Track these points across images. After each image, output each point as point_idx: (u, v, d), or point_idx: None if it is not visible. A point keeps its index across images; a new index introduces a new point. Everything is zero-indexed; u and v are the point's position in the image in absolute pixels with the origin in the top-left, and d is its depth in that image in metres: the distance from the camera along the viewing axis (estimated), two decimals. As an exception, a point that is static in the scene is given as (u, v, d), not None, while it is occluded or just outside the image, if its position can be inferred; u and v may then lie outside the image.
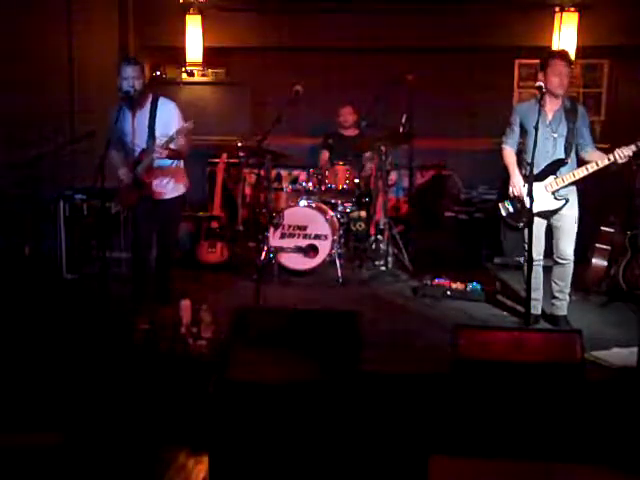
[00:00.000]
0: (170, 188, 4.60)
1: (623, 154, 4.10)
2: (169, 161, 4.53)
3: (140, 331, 3.96)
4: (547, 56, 4.33)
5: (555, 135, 4.27)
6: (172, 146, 4.34)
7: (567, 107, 4.31)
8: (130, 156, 4.53)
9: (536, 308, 4.45)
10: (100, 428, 3.23)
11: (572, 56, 6.71)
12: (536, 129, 3.89)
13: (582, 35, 6.77)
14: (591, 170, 4.20)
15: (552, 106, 4.30)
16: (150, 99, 4.51)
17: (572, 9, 6.77)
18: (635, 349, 3.53)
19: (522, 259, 4.53)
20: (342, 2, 6.98)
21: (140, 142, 4.48)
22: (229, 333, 3.03)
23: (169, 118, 4.53)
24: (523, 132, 4.40)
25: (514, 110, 4.52)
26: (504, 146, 4.49)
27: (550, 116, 4.30)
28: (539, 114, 3.92)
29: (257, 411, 2.48)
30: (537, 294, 4.43)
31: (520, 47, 6.98)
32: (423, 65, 6.64)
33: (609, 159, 4.15)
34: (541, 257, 4.43)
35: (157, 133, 4.46)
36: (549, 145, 4.28)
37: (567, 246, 4.38)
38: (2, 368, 3.51)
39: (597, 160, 4.18)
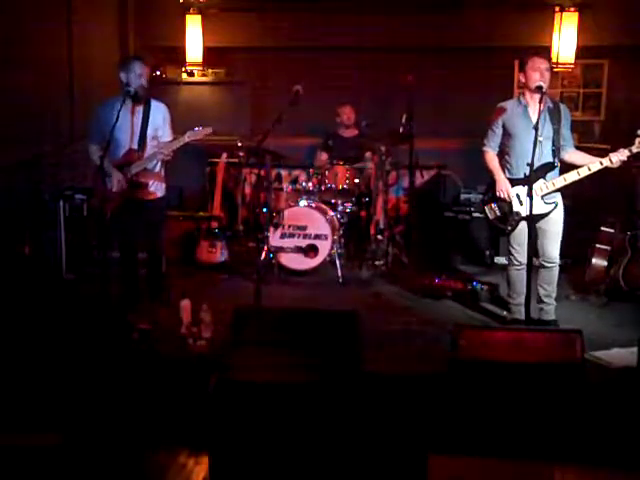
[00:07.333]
0: (156, 188, 4.62)
1: (617, 159, 4.06)
2: (158, 162, 4.57)
3: (140, 331, 3.97)
4: (524, 56, 4.26)
5: (541, 139, 4.15)
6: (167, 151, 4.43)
7: (550, 107, 4.24)
8: (113, 156, 4.44)
9: (520, 313, 4.31)
10: (99, 428, 3.23)
11: (572, 57, 6.77)
12: (536, 129, 3.86)
13: (582, 35, 6.77)
14: (582, 175, 4.14)
15: (536, 107, 4.18)
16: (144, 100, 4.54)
17: (572, 9, 6.77)
18: (635, 349, 3.53)
19: (507, 262, 4.52)
20: (342, 2, 6.98)
21: (134, 142, 4.49)
22: (229, 333, 3.03)
23: (160, 121, 4.56)
24: (505, 134, 4.32)
25: (495, 111, 4.39)
26: (486, 149, 4.41)
27: (534, 118, 4.15)
28: (539, 114, 3.89)
29: (257, 411, 2.48)
30: (522, 299, 4.30)
31: (520, 47, 6.97)
32: (423, 65, 6.64)
33: (601, 163, 4.11)
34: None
35: (148, 135, 4.49)
36: (536, 148, 4.10)
37: (554, 249, 4.32)
38: (1, 368, 3.51)
39: (587, 164, 4.14)
